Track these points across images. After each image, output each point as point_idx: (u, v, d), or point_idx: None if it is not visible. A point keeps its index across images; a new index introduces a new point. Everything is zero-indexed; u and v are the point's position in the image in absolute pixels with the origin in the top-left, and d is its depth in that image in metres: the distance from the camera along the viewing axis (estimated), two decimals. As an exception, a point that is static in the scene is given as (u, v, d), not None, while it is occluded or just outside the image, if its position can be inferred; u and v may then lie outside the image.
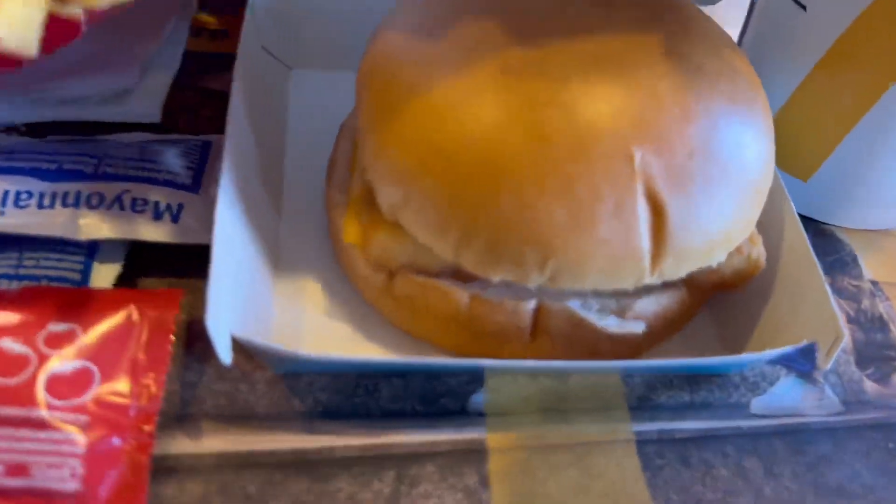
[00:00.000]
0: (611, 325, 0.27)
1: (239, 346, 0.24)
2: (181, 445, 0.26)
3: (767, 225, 0.30)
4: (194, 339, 0.29)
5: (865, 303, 0.35)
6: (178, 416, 0.27)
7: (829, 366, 0.26)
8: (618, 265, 0.25)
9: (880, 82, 0.32)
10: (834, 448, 0.29)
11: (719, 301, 0.32)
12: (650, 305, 0.28)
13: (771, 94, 0.37)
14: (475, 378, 0.29)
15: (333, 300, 0.30)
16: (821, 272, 0.28)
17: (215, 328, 0.23)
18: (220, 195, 0.26)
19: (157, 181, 0.31)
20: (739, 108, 0.26)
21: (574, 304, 0.27)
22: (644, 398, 0.30)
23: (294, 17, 0.37)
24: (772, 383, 0.31)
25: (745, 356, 0.27)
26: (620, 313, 0.27)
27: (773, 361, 0.28)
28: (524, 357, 0.27)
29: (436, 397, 0.29)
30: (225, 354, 0.23)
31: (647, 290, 0.28)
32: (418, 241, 0.26)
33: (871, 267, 0.37)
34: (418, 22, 0.28)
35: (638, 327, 0.27)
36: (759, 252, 0.28)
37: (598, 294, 0.27)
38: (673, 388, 0.30)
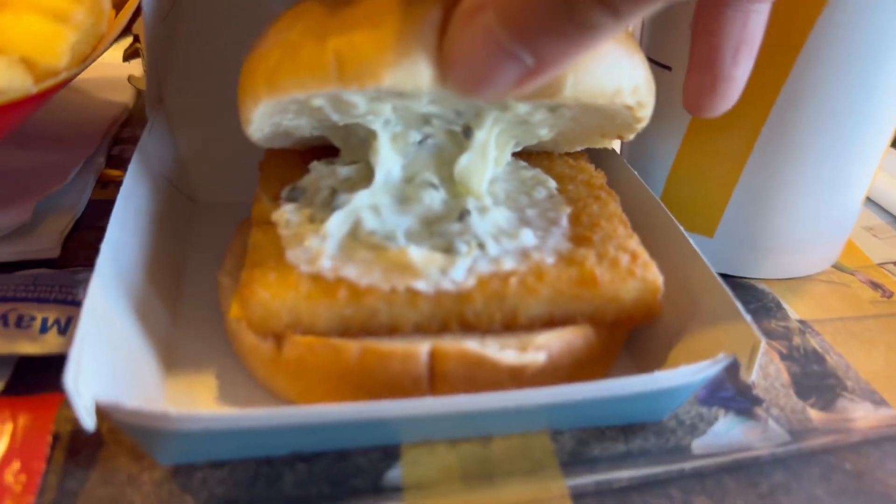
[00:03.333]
0: (509, 356, 0.26)
1: (120, 447, 0.23)
2: (51, 559, 0.23)
3: (671, 264, 0.30)
4: (79, 447, 0.26)
5: (797, 339, 0.34)
6: (52, 527, 0.24)
7: (753, 376, 0.25)
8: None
9: (750, 129, 0.34)
10: (788, 476, 0.27)
11: (638, 346, 0.31)
12: (552, 340, 0.26)
13: (659, 158, 0.38)
14: (389, 454, 0.27)
15: (225, 387, 0.29)
16: (726, 288, 0.27)
17: (74, 388, 0.21)
18: (94, 275, 0.25)
19: (46, 300, 0.30)
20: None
21: (471, 344, 0.25)
22: (576, 453, 0.27)
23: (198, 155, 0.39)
24: (710, 424, 0.29)
25: (658, 374, 0.25)
26: (521, 349, 0.26)
27: (695, 387, 0.26)
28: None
29: (345, 477, 0.26)
30: (86, 417, 0.21)
31: (547, 322, 0.27)
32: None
33: (797, 309, 0.36)
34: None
35: (538, 357, 0.26)
36: (654, 274, 0.28)
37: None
38: (605, 440, 0.28)
